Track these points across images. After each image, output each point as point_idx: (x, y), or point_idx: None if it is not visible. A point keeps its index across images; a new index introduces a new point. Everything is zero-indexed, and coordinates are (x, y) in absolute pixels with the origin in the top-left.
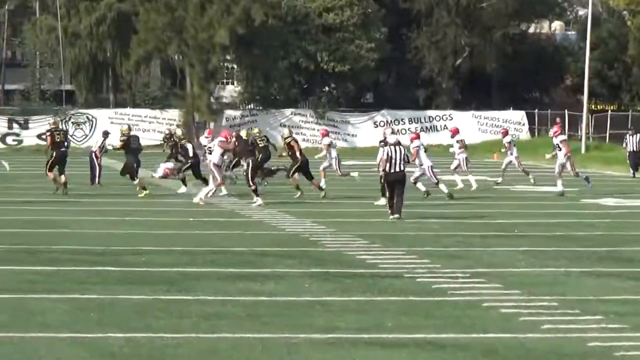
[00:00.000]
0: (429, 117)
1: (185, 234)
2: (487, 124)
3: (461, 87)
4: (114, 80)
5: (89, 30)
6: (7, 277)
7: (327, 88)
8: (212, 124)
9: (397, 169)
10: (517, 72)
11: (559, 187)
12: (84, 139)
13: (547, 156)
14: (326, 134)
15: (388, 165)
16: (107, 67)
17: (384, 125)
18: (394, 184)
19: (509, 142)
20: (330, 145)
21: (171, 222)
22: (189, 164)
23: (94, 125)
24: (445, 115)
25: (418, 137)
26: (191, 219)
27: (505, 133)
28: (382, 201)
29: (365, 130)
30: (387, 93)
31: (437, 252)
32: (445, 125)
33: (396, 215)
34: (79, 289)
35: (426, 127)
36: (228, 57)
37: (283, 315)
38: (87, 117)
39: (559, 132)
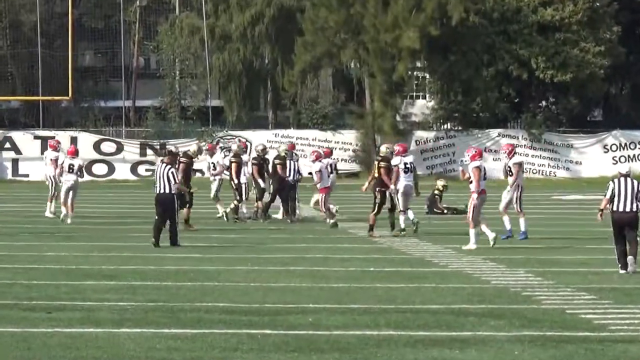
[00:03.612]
0: None
1: (363, 288)
2: None
3: None
4: (274, 95)
5: (241, 31)
6: (141, 342)
7: (543, 103)
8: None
9: (624, 208)
10: None
11: None
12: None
13: None
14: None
15: (614, 201)
16: (264, 78)
17: (615, 150)
18: (620, 227)
19: None
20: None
21: (345, 273)
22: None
23: (248, 151)
24: None
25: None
26: (371, 269)
27: None
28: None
29: (593, 155)
30: (620, 109)
31: None
32: None
33: (625, 271)
34: (229, 357)
35: None
36: (418, 65)
37: None
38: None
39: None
